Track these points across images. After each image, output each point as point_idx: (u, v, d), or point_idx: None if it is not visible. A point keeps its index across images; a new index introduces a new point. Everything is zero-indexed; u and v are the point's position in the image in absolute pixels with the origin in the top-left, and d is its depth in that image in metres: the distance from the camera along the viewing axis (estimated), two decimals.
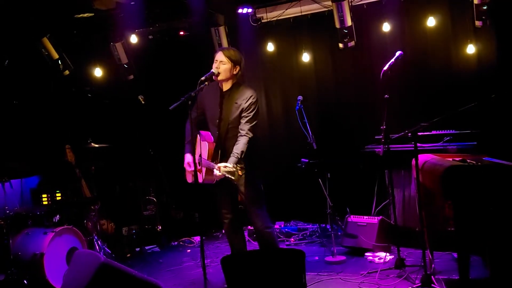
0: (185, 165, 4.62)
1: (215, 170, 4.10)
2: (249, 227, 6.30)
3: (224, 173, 3.99)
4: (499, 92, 5.27)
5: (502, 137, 5.47)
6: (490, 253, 3.69)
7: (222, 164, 4.05)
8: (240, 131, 4.34)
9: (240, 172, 4.02)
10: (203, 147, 4.46)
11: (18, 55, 6.34)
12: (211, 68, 4.40)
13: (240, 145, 4.26)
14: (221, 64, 4.40)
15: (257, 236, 4.68)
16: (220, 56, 4.43)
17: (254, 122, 4.39)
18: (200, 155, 4.40)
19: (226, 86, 4.50)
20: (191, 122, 4.46)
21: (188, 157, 4.61)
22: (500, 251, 3.62)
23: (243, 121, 4.37)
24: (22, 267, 4.87)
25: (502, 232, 3.58)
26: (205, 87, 4.36)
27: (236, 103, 4.42)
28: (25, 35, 6.29)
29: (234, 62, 4.44)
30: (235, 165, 4.02)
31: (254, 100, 4.41)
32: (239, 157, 4.19)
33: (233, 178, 3.99)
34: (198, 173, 4.36)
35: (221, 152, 4.47)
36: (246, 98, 4.40)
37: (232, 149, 4.30)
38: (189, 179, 4.73)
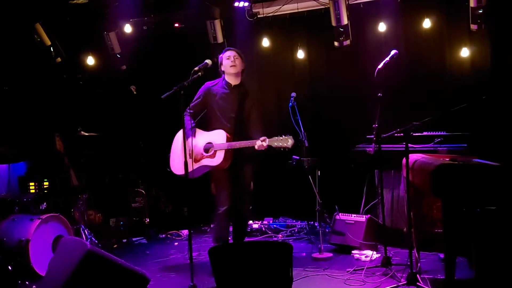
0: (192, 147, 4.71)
1: (258, 142, 4.46)
2: None
3: (271, 144, 4.39)
4: (490, 94, 5.32)
5: (493, 140, 5.51)
6: (476, 254, 3.70)
7: (263, 138, 4.47)
8: (255, 121, 4.87)
9: (293, 140, 4.38)
10: (220, 134, 4.73)
11: (9, 40, 6.28)
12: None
13: (260, 131, 4.71)
14: (236, 59, 4.90)
15: (239, 218, 5.01)
16: (232, 53, 4.94)
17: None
18: (209, 143, 4.74)
19: (236, 81, 4.95)
20: (191, 115, 4.86)
21: (189, 141, 4.68)
22: (485, 252, 3.64)
23: (254, 115, 4.90)
24: (7, 253, 4.80)
25: (488, 233, 3.60)
26: (213, 85, 4.91)
27: (248, 96, 4.92)
28: (17, 21, 6.24)
29: (243, 59, 4.98)
30: (283, 135, 4.40)
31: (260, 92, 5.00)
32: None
33: (287, 145, 4.35)
34: (210, 158, 4.73)
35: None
36: (253, 93, 5.02)
37: (244, 138, 4.70)
38: (178, 170, 4.91)
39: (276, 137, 4.44)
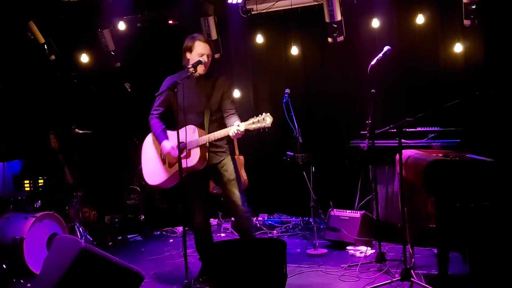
0: (170, 151, 4.40)
1: (233, 128, 4.03)
2: (232, 218, 6.29)
3: (250, 126, 3.97)
4: (483, 90, 5.31)
5: (486, 135, 5.53)
6: (469, 249, 3.72)
7: (238, 122, 4.08)
8: (228, 111, 4.40)
9: (270, 117, 3.94)
10: (191, 130, 4.32)
11: (3, 38, 6.26)
12: (200, 58, 4.36)
13: (237, 118, 4.31)
14: (209, 57, 4.41)
15: (237, 220, 4.58)
16: (207, 50, 4.40)
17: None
18: (179, 143, 4.16)
19: (202, 72, 4.47)
20: (159, 116, 4.57)
21: (167, 144, 4.43)
22: (479, 248, 3.66)
23: (227, 101, 4.43)
24: (1, 252, 4.81)
25: (481, 228, 3.62)
26: (177, 79, 4.31)
27: (216, 85, 4.44)
28: (11, 18, 6.21)
29: (212, 48, 4.51)
30: (258, 115, 3.99)
31: (231, 81, 4.61)
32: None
33: (266, 125, 3.92)
34: (184, 159, 4.22)
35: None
36: (224, 80, 4.48)
37: (217, 129, 4.30)
38: (157, 179, 4.57)
39: (252, 119, 3.97)
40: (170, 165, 4.50)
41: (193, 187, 4.50)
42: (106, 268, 3.61)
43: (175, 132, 4.24)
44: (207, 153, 4.31)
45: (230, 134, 4.09)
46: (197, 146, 4.25)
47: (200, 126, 4.39)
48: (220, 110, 4.44)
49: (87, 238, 5.69)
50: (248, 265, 3.51)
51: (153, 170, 4.62)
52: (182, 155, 4.19)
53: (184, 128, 4.28)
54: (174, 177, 4.48)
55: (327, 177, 6.34)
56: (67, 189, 5.98)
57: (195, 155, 4.27)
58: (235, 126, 4.05)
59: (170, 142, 4.44)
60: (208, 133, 4.33)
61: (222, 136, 4.18)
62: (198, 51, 4.38)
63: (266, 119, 3.92)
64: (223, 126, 4.35)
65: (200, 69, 4.40)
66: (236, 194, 4.41)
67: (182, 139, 4.18)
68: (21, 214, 5.08)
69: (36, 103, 6.58)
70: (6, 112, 6.22)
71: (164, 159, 4.55)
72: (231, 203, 4.45)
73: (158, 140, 4.52)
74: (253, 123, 3.97)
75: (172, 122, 4.46)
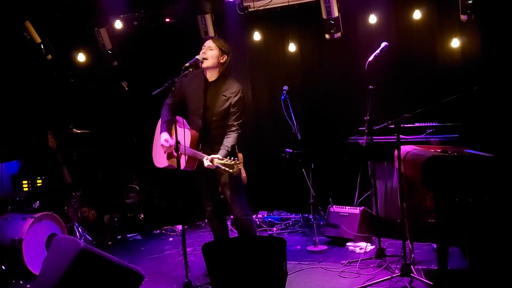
0: (163, 142, 4.41)
1: (205, 161, 4.08)
2: (231, 216, 6.29)
3: (219, 165, 4.00)
4: (481, 85, 5.30)
5: (484, 130, 5.53)
6: (469, 244, 3.72)
7: (214, 156, 4.05)
8: (231, 127, 4.33)
9: (240, 166, 4.03)
10: (186, 135, 4.38)
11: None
12: (195, 57, 4.36)
13: (231, 140, 4.27)
14: (209, 50, 4.37)
15: (236, 224, 4.72)
16: (209, 42, 4.42)
17: (243, 118, 4.40)
18: (178, 142, 4.33)
19: (212, 76, 4.45)
20: (170, 107, 4.52)
21: (164, 135, 4.45)
22: (478, 243, 3.65)
23: (232, 116, 4.35)
24: (0, 253, 4.80)
25: (481, 223, 3.62)
26: (189, 75, 4.41)
27: (224, 95, 4.38)
28: (6, 18, 6.18)
29: (222, 51, 4.40)
30: (232, 159, 4.00)
31: (242, 95, 4.40)
32: (228, 150, 4.20)
33: (231, 170, 3.98)
34: (174, 159, 4.36)
35: (204, 143, 4.46)
36: (235, 92, 4.37)
37: (215, 140, 4.35)
38: (160, 162, 4.63)
39: (225, 160, 4.00)
40: (168, 156, 4.55)
41: (201, 182, 4.60)
42: (106, 268, 3.60)
43: (182, 128, 4.38)
44: (196, 161, 4.37)
45: (205, 165, 4.11)
46: (187, 154, 4.29)
47: (199, 130, 4.42)
48: (227, 121, 4.37)
49: (86, 238, 5.68)
50: (248, 263, 3.50)
51: (157, 154, 4.69)
52: (174, 156, 4.31)
53: (183, 131, 4.34)
54: (171, 166, 4.55)
55: (326, 174, 6.34)
56: (65, 189, 5.96)
57: (183, 160, 4.29)
58: (207, 161, 4.06)
59: (166, 137, 4.44)
60: (206, 138, 4.43)
61: (199, 159, 4.21)
62: (203, 46, 4.46)
63: (234, 167, 3.96)
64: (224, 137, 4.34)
65: (202, 64, 4.38)
66: (230, 196, 4.46)
67: (180, 139, 4.30)
68: (20, 215, 5.07)
69: (33, 103, 6.56)
70: (3, 112, 6.20)
71: (167, 148, 4.53)
72: (227, 204, 4.55)
73: (160, 129, 4.54)
74: (224, 164, 3.98)
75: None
